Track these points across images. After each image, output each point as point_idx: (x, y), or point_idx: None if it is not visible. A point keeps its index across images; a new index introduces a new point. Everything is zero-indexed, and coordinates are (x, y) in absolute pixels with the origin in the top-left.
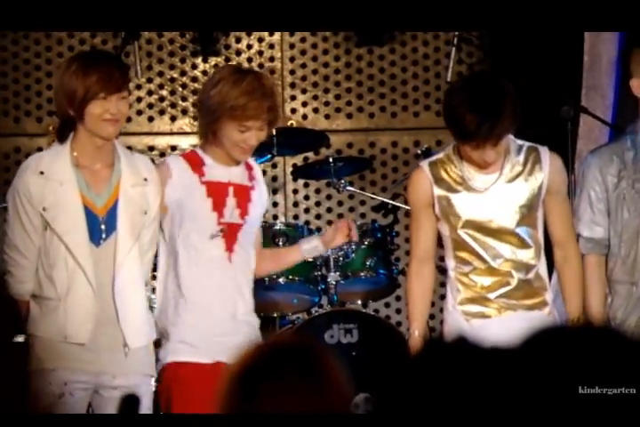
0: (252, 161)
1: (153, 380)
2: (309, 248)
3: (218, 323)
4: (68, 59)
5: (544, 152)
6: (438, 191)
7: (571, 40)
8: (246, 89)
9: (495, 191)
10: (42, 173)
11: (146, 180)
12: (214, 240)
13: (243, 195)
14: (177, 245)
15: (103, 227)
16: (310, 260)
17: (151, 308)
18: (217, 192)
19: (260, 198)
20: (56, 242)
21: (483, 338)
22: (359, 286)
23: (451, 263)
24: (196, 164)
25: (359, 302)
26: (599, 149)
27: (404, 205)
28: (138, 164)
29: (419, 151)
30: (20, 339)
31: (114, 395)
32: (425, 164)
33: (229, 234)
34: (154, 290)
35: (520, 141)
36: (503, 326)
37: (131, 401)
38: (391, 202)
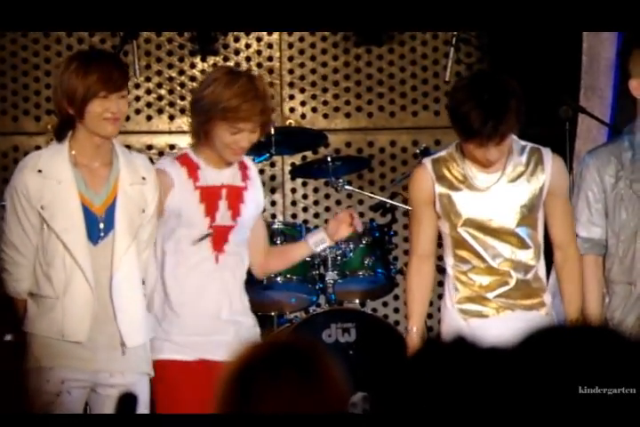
0: (247, 160)
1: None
2: (316, 241)
3: (200, 322)
4: (67, 58)
5: (547, 154)
6: (440, 189)
7: (569, 40)
8: (239, 91)
9: (496, 191)
10: (40, 171)
11: (144, 178)
12: (202, 243)
13: (235, 196)
14: (166, 248)
15: (101, 226)
16: (308, 259)
17: None
18: (210, 197)
19: (255, 198)
20: (54, 240)
21: (481, 337)
22: (357, 285)
23: (449, 261)
24: (191, 168)
25: (357, 301)
26: (597, 150)
27: (402, 205)
28: (136, 163)
29: (417, 150)
30: (9, 338)
31: (110, 393)
32: (427, 161)
33: (219, 236)
34: None
35: (523, 142)
36: (501, 326)
37: (128, 400)
38: (389, 201)
